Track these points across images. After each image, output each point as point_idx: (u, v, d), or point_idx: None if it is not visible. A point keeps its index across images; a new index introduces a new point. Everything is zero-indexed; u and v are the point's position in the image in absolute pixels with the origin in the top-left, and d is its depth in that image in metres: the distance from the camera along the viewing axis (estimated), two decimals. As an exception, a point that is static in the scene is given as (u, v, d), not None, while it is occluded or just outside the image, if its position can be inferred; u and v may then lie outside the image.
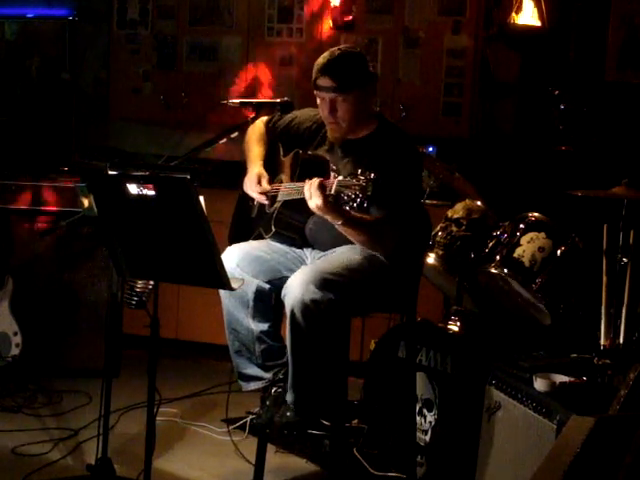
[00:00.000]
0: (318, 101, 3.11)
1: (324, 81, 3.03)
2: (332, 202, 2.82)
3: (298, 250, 3.23)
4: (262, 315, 3.14)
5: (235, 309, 3.14)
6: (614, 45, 4.60)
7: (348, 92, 3.02)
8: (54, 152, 4.83)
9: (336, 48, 3.08)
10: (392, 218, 2.97)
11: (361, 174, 2.70)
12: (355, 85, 3.02)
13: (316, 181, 2.85)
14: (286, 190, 3.15)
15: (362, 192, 2.68)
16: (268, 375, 3.15)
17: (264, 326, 3.14)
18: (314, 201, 2.84)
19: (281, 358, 3.14)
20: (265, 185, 3.23)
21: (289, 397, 3.00)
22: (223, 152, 4.60)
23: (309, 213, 2.99)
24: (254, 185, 3.24)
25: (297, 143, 3.27)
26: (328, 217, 2.88)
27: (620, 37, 4.59)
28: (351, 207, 2.72)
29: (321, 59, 3.05)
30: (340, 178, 2.82)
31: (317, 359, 2.94)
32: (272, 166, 3.33)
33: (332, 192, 2.78)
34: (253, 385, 3.20)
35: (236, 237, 3.37)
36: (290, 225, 3.19)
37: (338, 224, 2.89)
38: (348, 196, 2.71)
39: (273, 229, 3.19)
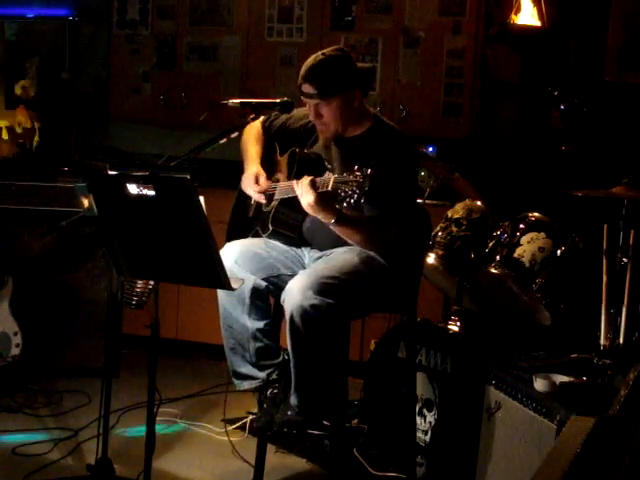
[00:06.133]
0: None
1: (306, 87, 3.04)
2: (324, 200, 2.82)
3: (296, 249, 3.23)
4: (258, 313, 3.12)
5: (231, 306, 3.13)
6: (614, 45, 4.59)
7: (330, 98, 3.02)
8: (54, 152, 4.82)
9: (320, 52, 3.07)
10: (386, 217, 2.97)
11: (357, 170, 2.70)
12: (337, 90, 3.02)
13: (307, 179, 2.86)
14: (283, 188, 3.15)
15: (359, 187, 2.67)
16: (262, 375, 3.13)
17: (260, 324, 3.12)
18: (305, 199, 2.86)
19: (276, 358, 3.13)
20: (263, 183, 3.23)
21: (293, 400, 3.00)
22: (223, 152, 4.58)
23: (306, 212, 2.99)
24: (252, 184, 3.24)
25: (293, 141, 3.28)
26: (320, 216, 2.89)
27: (620, 37, 4.58)
28: (348, 203, 2.70)
29: (304, 65, 3.05)
30: (336, 175, 2.83)
31: (318, 363, 2.94)
32: (269, 165, 3.33)
33: (329, 189, 2.78)
34: (247, 384, 3.18)
35: (233, 235, 3.37)
36: (287, 223, 3.19)
37: (331, 223, 2.89)
38: (345, 192, 2.70)
39: (270, 227, 3.19)
